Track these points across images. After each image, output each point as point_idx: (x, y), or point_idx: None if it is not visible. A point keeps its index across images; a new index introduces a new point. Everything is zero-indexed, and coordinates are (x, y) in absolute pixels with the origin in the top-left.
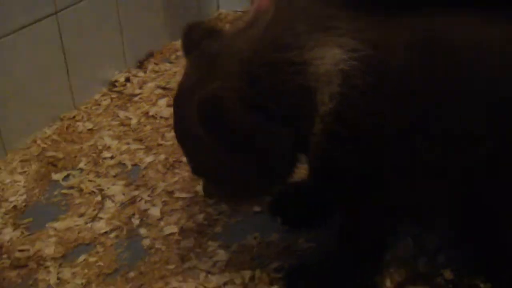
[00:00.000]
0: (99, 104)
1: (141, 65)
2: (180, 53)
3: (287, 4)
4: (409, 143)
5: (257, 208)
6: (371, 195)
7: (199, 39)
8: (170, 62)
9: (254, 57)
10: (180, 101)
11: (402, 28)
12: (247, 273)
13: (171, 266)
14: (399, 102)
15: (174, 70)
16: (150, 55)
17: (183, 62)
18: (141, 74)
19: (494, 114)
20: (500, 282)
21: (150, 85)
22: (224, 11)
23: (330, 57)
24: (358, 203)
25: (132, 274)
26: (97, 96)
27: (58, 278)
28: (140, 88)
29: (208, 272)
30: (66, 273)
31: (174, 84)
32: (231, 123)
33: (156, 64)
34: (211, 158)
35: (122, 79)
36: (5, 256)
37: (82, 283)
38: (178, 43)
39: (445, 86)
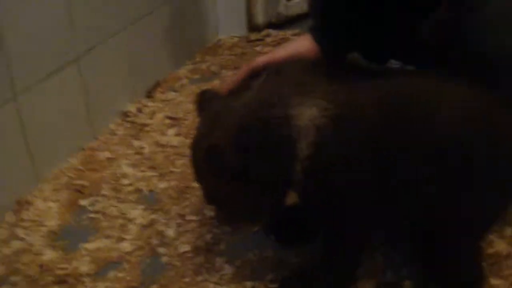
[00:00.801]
0: (115, 134)
1: (149, 94)
2: (183, 81)
3: (275, 73)
4: (372, 183)
5: (255, 228)
6: (344, 220)
7: (207, 101)
8: (175, 91)
9: (247, 114)
10: (194, 148)
11: (367, 91)
12: (248, 284)
13: (186, 279)
14: (363, 151)
15: (179, 99)
16: (157, 84)
17: (187, 90)
18: (150, 103)
19: (438, 163)
20: None
21: (159, 115)
22: (223, 37)
23: (308, 115)
24: (335, 226)
25: (154, 286)
26: (112, 126)
27: None
28: (151, 118)
29: (217, 284)
30: (100, 287)
31: (181, 113)
32: (226, 163)
33: (162, 93)
34: (218, 190)
35: (133, 109)
36: (47, 273)
37: None
38: (181, 72)
39: (400, 139)
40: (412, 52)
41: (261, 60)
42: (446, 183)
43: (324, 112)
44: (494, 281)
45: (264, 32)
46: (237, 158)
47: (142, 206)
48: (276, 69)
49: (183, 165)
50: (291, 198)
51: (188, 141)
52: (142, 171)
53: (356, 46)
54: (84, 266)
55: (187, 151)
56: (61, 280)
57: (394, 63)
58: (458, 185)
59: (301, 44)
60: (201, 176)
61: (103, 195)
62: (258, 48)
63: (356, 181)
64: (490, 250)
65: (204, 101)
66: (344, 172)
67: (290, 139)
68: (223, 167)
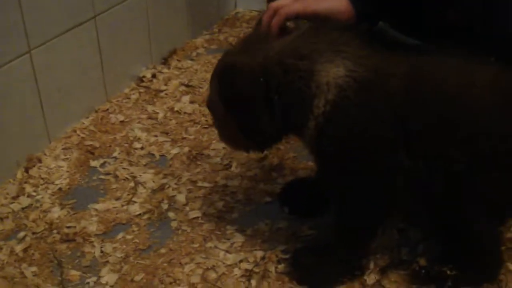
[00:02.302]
0: (128, 98)
1: (165, 61)
2: (200, 50)
3: (316, 26)
4: (391, 155)
5: (268, 199)
6: (358, 193)
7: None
8: (192, 60)
9: (275, 57)
10: (220, 59)
11: (398, 61)
12: (259, 253)
13: (195, 245)
14: (384, 119)
15: (195, 67)
16: (173, 52)
17: (203, 59)
18: (165, 70)
19: (465, 142)
20: (463, 269)
21: (175, 82)
22: (241, 10)
23: (333, 72)
24: (346, 197)
25: (163, 250)
26: (126, 90)
27: (102, 252)
28: (166, 84)
29: (226, 251)
30: (108, 247)
31: (196, 81)
32: (236, 88)
33: (179, 61)
34: (218, 105)
35: (149, 75)
36: (55, 231)
37: (121, 257)
38: (198, 41)
39: (426, 113)
40: (440, 32)
41: (293, 9)
42: (469, 163)
43: (351, 73)
44: (511, 266)
45: None
46: (250, 88)
47: (153, 170)
48: (316, 24)
49: (196, 132)
50: (304, 172)
51: (203, 109)
52: (155, 135)
53: (387, 15)
54: (92, 226)
55: (201, 119)
56: (68, 239)
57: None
58: (481, 166)
59: (336, 2)
60: (211, 82)
61: (114, 157)
62: None
63: (371, 148)
64: (509, 234)
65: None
66: (359, 136)
67: (307, 94)
68: (231, 87)
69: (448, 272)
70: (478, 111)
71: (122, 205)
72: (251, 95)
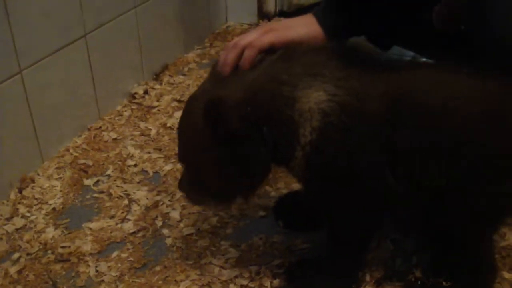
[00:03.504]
0: (121, 115)
1: (157, 77)
2: (192, 65)
3: (291, 50)
4: (377, 174)
5: (262, 213)
6: (345, 210)
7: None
8: (184, 75)
9: (256, 85)
10: (192, 100)
11: (378, 81)
12: (253, 269)
13: (190, 262)
14: (368, 142)
15: (187, 82)
16: (165, 67)
17: (195, 74)
18: (157, 86)
19: (447, 156)
20: (457, 280)
21: (167, 98)
22: (232, 23)
23: (314, 98)
24: (338, 215)
25: (158, 268)
26: (119, 107)
27: (96, 271)
28: (158, 100)
29: (221, 267)
30: (103, 266)
31: (188, 97)
32: (228, 122)
33: (170, 76)
34: (203, 150)
35: (141, 91)
36: (49, 251)
37: (116, 275)
38: (190, 56)
39: (408, 134)
40: (420, 39)
41: (266, 40)
42: (452, 177)
43: (332, 97)
44: (506, 274)
45: (274, 21)
46: (240, 120)
47: (147, 188)
48: (289, 48)
49: None
50: (298, 185)
51: None
52: (148, 152)
53: (360, 29)
54: (86, 246)
55: None
56: (63, 259)
57: (400, 51)
58: (469, 178)
59: (306, 28)
60: (188, 129)
61: (108, 175)
62: None
63: (360, 171)
64: (503, 243)
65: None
66: (347, 161)
67: (293, 122)
68: (222, 125)
69: (444, 283)
70: (458, 124)
71: (116, 223)
72: (243, 127)
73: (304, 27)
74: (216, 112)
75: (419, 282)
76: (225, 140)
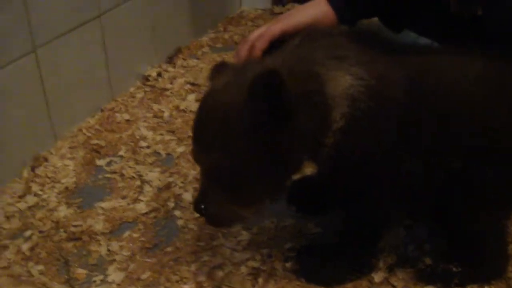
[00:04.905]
0: (134, 97)
1: (170, 60)
2: (205, 49)
3: (309, 33)
4: (398, 158)
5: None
6: (368, 196)
7: (221, 71)
8: (197, 58)
9: (288, 64)
10: (212, 93)
11: (399, 64)
12: (265, 251)
13: (202, 243)
14: (392, 126)
15: (201, 66)
16: (179, 51)
17: (208, 58)
18: (171, 69)
19: (461, 138)
20: (469, 266)
21: (180, 80)
22: (247, 8)
23: (344, 82)
24: (358, 202)
25: (169, 249)
26: (132, 89)
27: (108, 250)
28: (171, 83)
29: (233, 249)
30: (114, 246)
31: (201, 80)
32: (287, 94)
33: (184, 59)
34: (238, 140)
35: (154, 74)
36: (61, 230)
37: (128, 255)
38: (203, 40)
39: (429, 116)
40: (435, 22)
41: (277, 28)
42: (466, 160)
43: (360, 82)
44: None
45: (289, 6)
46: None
47: (159, 169)
48: (307, 32)
49: None
50: (311, 170)
51: None
52: (161, 134)
53: (373, 10)
54: (98, 225)
55: None
56: (75, 237)
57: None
58: (485, 162)
59: (317, 9)
60: (220, 124)
61: (120, 156)
62: None
63: (388, 157)
64: None
65: (218, 72)
66: (375, 147)
67: (327, 105)
68: (278, 98)
69: (454, 269)
70: (471, 105)
71: (129, 204)
72: (296, 106)
73: (314, 7)
74: (278, 82)
75: (429, 269)
76: (279, 118)
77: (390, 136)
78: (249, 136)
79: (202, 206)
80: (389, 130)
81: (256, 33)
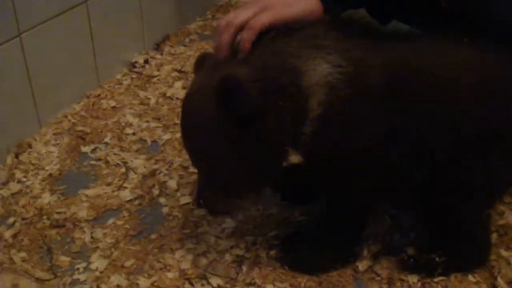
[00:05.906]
0: (120, 84)
1: (158, 47)
2: (193, 36)
3: (285, 29)
4: (380, 149)
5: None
6: (348, 185)
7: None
8: (184, 45)
9: (259, 62)
10: (192, 95)
11: (380, 51)
12: (250, 239)
13: (186, 231)
14: (372, 113)
15: (188, 53)
16: (166, 38)
17: (196, 45)
18: (158, 56)
19: (445, 127)
20: (452, 255)
21: (167, 67)
22: None
23: (320, 70)
24: (337, 190)
25: (153, 236)
26: (118, 76)
27: (92, 237)
28: (158, 70)
29: (218, 237)
30: (98, 233)
31: (188, 67)
32: (247, 98)
33: (171, 46)
34: (222, 141)
35: (141, 61)
36: (45, 217)
37: (111, 242)
38: (191, 27)
39: (411, 104)
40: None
41: (266, 19)
42: (456, 149)
43: (338, 69)
44: (503, 252)
45: None
46: (257, 96)
47: (145, 156)
48: (285, 26)
49: None
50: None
51: None
52: (147, 121)
53: (360, 1)
54: (82, 212)
55: None
56: (58, 224)
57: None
58: (468, 152)
59: (305, 3)
60: (195, 129)
61: (106, 143)
62: None
63: (367, 145)
64: (501, 221)
65: (201, 64)
66: (355, 135)
67: (302, 96)
68: (240, 102)
69: (437, 259)
70: (457, 94)
71: (113, 191)
72: (262, 102)
73: (303, 2)
74: (234, 87)
75: (411, 260)
76: (246, 119)
77: (371, 124)
78: (226, 140)
79: (201, 201)
80: (369, 118)
81: (240, 19)
